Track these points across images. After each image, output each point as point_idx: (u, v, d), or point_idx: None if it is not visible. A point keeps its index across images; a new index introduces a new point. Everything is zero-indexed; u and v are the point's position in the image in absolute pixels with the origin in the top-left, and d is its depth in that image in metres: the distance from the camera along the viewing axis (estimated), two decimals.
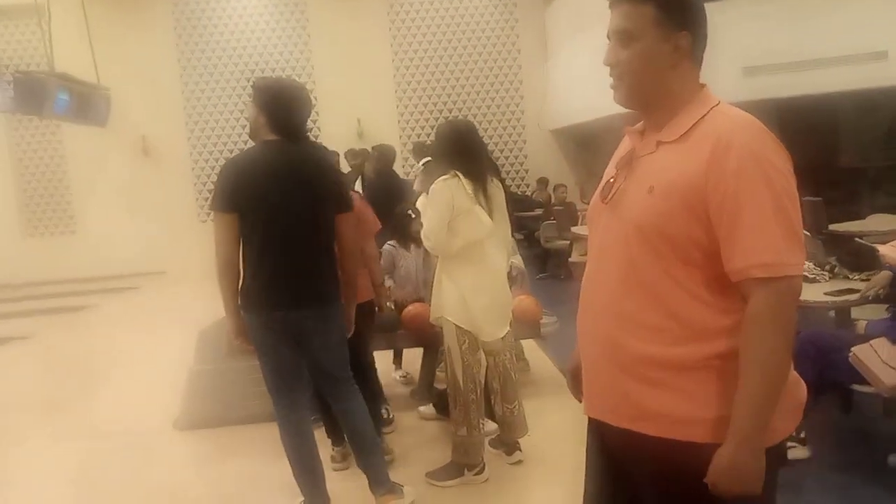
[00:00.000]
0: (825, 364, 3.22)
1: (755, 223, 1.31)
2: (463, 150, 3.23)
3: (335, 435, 3.62)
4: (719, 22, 8.74)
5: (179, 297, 9.35)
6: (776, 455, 1.41)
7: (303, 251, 2.81)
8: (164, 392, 4.84)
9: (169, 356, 5.46)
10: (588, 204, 1.63)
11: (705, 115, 1.41)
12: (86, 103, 8.91)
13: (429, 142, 8.73)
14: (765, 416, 1.33)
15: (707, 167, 1.34)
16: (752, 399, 1.32)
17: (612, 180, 1.50)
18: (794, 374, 1.45)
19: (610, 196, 1.47)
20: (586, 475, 1.65)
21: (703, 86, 1.48)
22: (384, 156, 6.25)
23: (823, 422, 3.51)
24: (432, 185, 3.18)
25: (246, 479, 3.64)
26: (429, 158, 3.91)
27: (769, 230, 1.31)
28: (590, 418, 1.59)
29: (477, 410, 3.31)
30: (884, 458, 3.21)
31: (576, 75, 9.49)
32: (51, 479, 3.95)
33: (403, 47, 11.80)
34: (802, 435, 3.30)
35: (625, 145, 1.59)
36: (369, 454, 3.07)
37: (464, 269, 3.22)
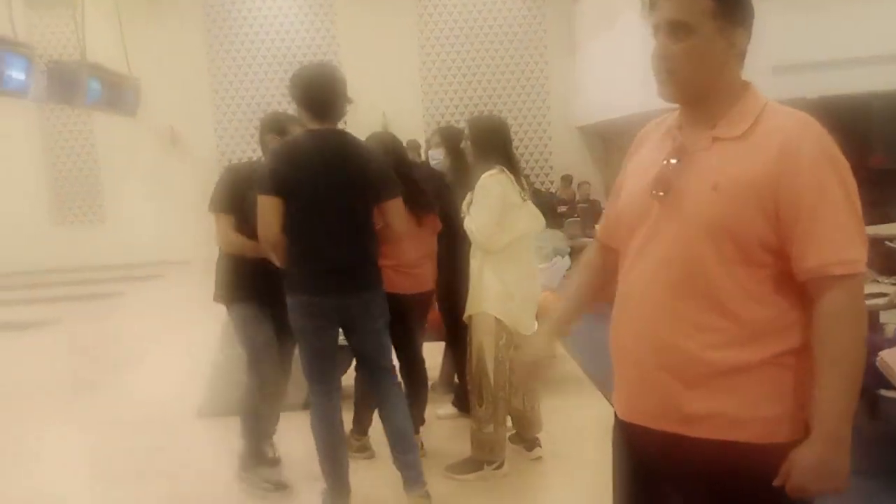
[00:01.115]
0: None
1: (832, 220, 1.31)
2: (503, 146, 3.28)
3: (360, 424, 3.63)
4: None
5: (204, 287, 9.42)
6: None
7: (344, 238, 2.84)
8: (188, 379, 4.90)
9: (194, 344, 5.53)
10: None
11: (762, 111, 1.40)
12: (116, 93, 9.04)
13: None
14: (850, 411, 1.34)
15: (778, 165, 1.32)
16: (837, 395, 1.33)
17: (666, 175, 1.43)
18: None
19: (667, 192, 1.41)
20: (616, 481, 1.62)
21: (748, 83, 1.46)
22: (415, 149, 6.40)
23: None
24: (480, 181, 3.17)
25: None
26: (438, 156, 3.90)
27: (846, 227, 1.32)
28: (621, 423, 1.55)
29: (505, 407, 3.32)
30: None
31: (604, 71, 9.43)
32: (74, 461, 4.02)
33: (430, 41, 11.79)
34: None
35: (652, 141, 1.56)
36: (407, 452, 3.04)
37: (509, 264, 3.23)
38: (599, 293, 1.74)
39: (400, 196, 2.98)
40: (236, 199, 3.18)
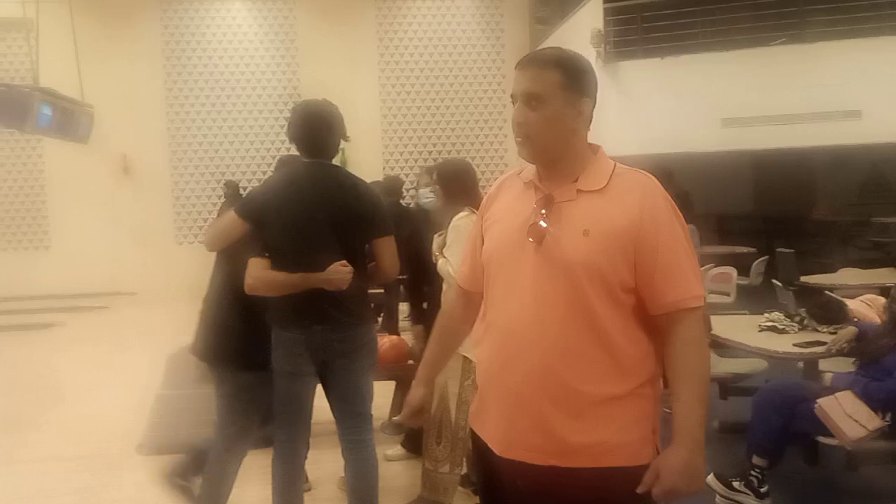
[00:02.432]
0: (792, 414, 3.26)
1: (684, 263, 1.54)
2: (472, 187, 3.32)
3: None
4: (699, 74, 9.00)
5: (149, 320, 9.22)
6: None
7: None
8: (129, 415, 4.75)
9: (136, 379, 5.37)
10: None
11: (613, 169, 1.60)
12: (69, 119, 8.85)
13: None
14: (704, 419, 1.55)
15: (640, 215, 1.52)
16: (696, 405, 1.53)
17: (538, 225, 1.56)
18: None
19: (541, 238, 1.55)
20: None
21: (597, 145, 1.65)
22: (394, 188, 6.49)
23: (789, 472, 3.53)
24: (452, 223, 3.16)
25: None
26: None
27: (693, 268, 1.56)
28: (493, 461, 1.62)
29: (462, 448, 3.29)
30: None
31: None
32: (6, 500, 3.84)
33: (391, 79, 11.92)
34: (764, 490, 3.32)
35: (511, 192, 1.69)
36: None
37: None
38: (462, 338, 1.92)
39: (392, 235, 2.88)
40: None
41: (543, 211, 1.57)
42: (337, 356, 2.79)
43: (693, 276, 1.55)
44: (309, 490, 3.44)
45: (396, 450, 4.18)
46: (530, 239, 1.56)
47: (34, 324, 8.96)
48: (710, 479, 3.41)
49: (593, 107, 1.60)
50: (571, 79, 1.55)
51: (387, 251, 2.87)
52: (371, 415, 2.97)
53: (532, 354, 1.53)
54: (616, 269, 1.51)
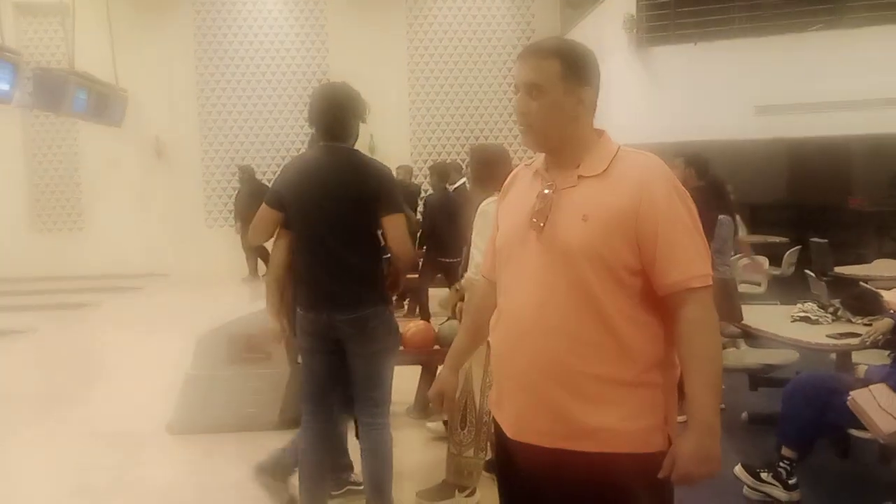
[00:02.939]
0: (824, 406, 3.21)
1: (686, 242, 1.54)
2: (501, 174, 3.25)
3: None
4: (733, 60, 8.82)
5: (180, 301, 9.36)
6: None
7: (338, 253, 2.79)
8: (159, 395, 4.84)
9: (167, 359, 5.46)
10: None
11: (616, 153, 1.60)
12: (103, 103, 9.02)
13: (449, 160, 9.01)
14: (718, 403, 1.55)
15: (637, 197, 1.52)
16: (709, 390, 1.52)
17: (544, 207, 1.59)
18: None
19: (544, 224, 1.57)
20: (502, 499, 1.79)
21: (602, 130, 1.66)
22: (444, 172, 6.76)
23: (819, 465, 3.48)
24: (479, 208, 3.11)
25: (235, 488, 3.61)
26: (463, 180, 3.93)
27: (697, 248, 1.55)
28: (510, 443, 1.65)
29: (487, 434, 3.29)
30: None
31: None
32: (40, 475, 3.94)
33: (420, 66, 11.89)
34: (793, 482, 3.28)
35: (522, 182, 1.73)
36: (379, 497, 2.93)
37: None
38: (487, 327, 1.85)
39: (400, 213, 2.86)
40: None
41: (547, 191, 1.60)
42: (346, 339, 2.84)
43: (696, 255, 1.54)
44: (352, 470, 3.47)
45: (437, 423, 4.20)
46: (537, 221, 1.59)
47: (69, 303, 9.15)
48: (738, 469, 3.38)
49: (596, 94, 1.64)
50: (571, 68, 1.58)
51: (394, 229, 2.84)
52: (387, 399, 2.97)
53: (536, 339, 1.56)
54: (617, 253, 1.52)
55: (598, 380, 1.53)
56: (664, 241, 1.52)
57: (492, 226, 1.89)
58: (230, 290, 9.78)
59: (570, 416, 1.54)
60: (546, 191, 1.61)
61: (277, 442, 3.09)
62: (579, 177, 1.59)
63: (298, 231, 2.87)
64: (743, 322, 3.88)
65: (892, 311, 3.60)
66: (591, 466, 1.52)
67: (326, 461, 3.04)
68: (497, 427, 1.73)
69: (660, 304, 1.56)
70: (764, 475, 3.32)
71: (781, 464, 3.30)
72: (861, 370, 3.37)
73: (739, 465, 3.38)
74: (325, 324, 2.82)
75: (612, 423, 1.52)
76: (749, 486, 3.33)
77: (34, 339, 7.48)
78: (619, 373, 1.53)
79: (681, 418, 1.63)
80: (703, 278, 1.54)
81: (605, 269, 1.52)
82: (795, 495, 3.27)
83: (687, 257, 1.53)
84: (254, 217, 2.97)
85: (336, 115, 2.84)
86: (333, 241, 2.79)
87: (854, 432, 3.19)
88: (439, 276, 6.53)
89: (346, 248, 2.81)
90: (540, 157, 1.71)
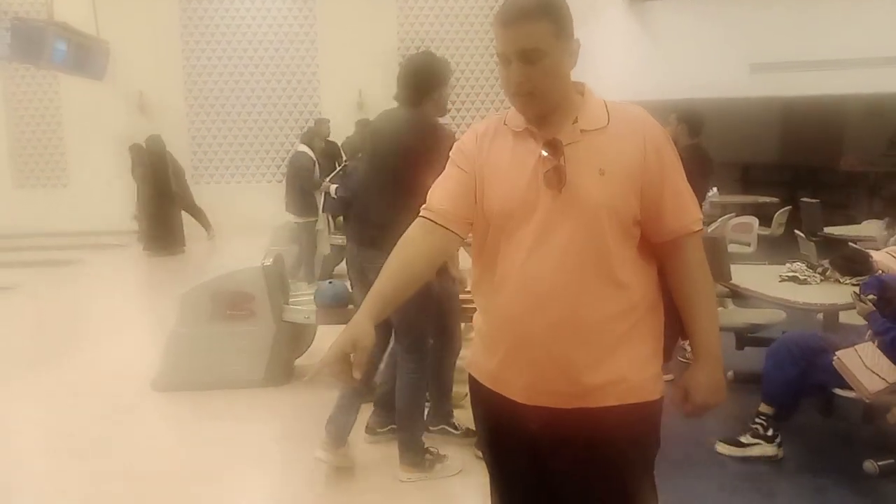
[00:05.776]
0: (809, 365, 3.20)
1: (683, 190, 1.60)
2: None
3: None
4: (729, 16, 8.64)
5: (166, 257, 9.29)
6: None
7: (376, 198, 3.13)
8: (144, 352, 4.81)
9: (151, 316, 5.43)
10: None
11: (607, 105, 1.61)
12: (84, 55, 8.77)
13: None
14: (719, 335, 1.67)
15: (643, 148, 1.55)
16: (713, 324, 1.64)
17: (557, 168, 1.53)
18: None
19: (561, 183, 1.53)
20: (503, 464, 1.73)
21: (581, 82, 1.64)
22: None
23: (802, 424, 3.50)
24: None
25: (220, 443, 3.62)
26: None
27: (690, 192, 1.62)
28: (515, 411, 1.60)
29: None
30: (859, 464, 3.20)
31: (589, 61, 9.41)
32: (25, 431, 3.92)
33: (410, 19, 11.64)
34: (772, 433, 3.29)
35: (505, 140, 1.61)
36: (398, 429, 3.27)
37: None
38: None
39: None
40: None
41: (545, 154, 1.54)
42: (367, 278, 2.97)
43: (692, 199, 1.62)
44: (452, 416, 3.59)
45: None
46: (554, 179, 1.52)
47: (53, 260, 9.07)
48: (720, 446, 3.36)
49: (578, 45, 1.59)
50: (560, 25, 1.53)
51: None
52: (415, 345, 3.13)
53: (554, 299, 1.52)
54: (629, 205, 1.54)
55: (606, 327, 1.54)
56: (671, 190, 1.57)
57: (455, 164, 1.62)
58: (214, 246, 9.72)
59: (584, 372, 1.54)
60: (544, 152, 1.53)
61: (264, 399, 3.06)
62: (582, 131, 1.56)
63: (361, 176, 3.39)
64: (731, 281, 3.85)
65: (880, 272, 3.58)
66: (607, 420, 1.54)
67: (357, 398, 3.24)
68: (493, 398, 1.64)
69: (649, 249, 1.61)
70: (744, 439, 3.33)
71: (757, 419, 3.31)
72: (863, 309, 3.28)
73: (718, 441, 3.37)
74: (350, 259, 3.23)
75: (625, 374, 1.55)
76: (734, 458, 3.32)
77: (16, 296, 7.41)
78: (627, 322, 1.56)
79: (667, 377, 1.64)
80: (700, 221, 1.63)
81: (618, 223, 1.53)
82: (780, 451, 3.29)
83: (687, 203, 1.60)
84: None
85: (403, 82, 3.11)
86: (380, 189, 3.11)
87: (838, 391, 3.19)
88: None
89: (395, 193, 2.94)
90: (514, 115, 1.61)
